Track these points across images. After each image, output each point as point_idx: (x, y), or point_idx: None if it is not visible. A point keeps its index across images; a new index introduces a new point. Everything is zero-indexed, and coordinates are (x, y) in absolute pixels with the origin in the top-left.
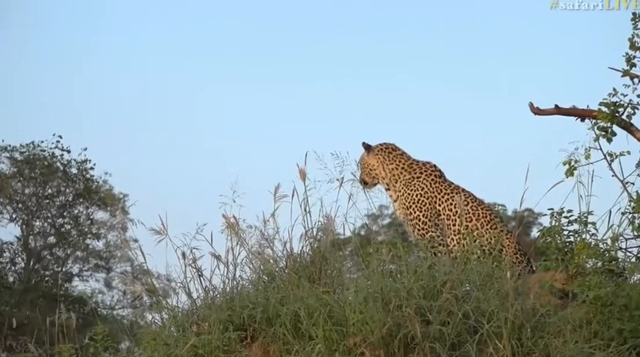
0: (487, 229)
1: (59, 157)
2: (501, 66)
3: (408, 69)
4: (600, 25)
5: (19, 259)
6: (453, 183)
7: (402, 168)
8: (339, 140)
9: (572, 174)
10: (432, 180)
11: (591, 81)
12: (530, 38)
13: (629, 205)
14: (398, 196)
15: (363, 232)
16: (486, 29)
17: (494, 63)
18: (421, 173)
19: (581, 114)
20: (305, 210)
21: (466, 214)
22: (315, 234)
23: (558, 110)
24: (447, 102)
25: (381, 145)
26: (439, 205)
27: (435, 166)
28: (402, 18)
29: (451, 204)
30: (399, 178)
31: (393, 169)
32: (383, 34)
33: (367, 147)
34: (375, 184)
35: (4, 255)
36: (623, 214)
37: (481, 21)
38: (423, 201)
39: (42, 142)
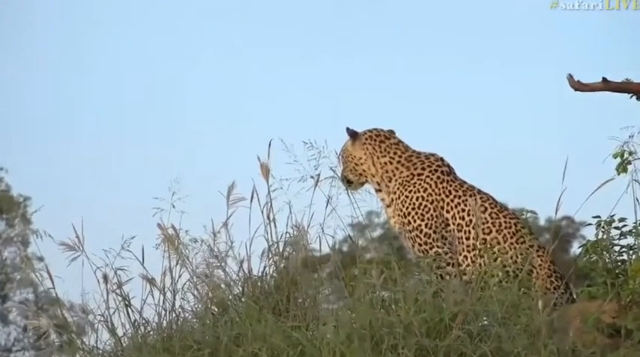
0: (512, 243)
1: None
2: (501, 66)
3: (403, 52)
4: (600, 25)
5: None
6: (465, 182)
7: (398, 162)
8: (313, 125)
9: (625, 170)
10: (438, 178)
11: (591, 80)
12: (530, 38)
13: None
14: (393, 200)
15: (345, 248)
16: (486, 29)
17: (494, 62)
18: (423, 169)
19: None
20: (268, 218)
21: (484, 223)
22: (281, 250)
23: (607, 85)
24: (450, 85)
25: (370, 131)
26: (447, 211)
27: (441, 159)
28: (398, 17)
29: (463, 210)
30: (395, 175)
31: (386, 163)
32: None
33: (352, 134)
34: (363, 184)
35: None
36: None
37: (481, 21)
38: (425, 206)
39: None
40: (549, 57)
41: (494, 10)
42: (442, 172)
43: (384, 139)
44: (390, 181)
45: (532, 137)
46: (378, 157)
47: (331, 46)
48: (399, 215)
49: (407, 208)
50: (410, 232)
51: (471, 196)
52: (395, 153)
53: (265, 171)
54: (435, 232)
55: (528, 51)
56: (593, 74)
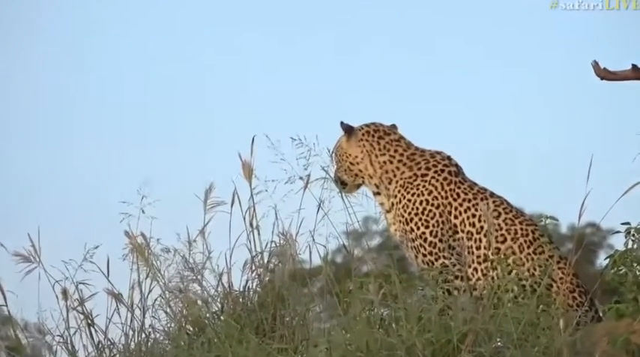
0: (529, 253)
1: None
2: (501, 66)
3: (401, 52)
4: (600, 25)
5: None
6: (475, 184)
7: (400, 161)
8: (303, 119)
9: None
10: (445, 179)
11: (591, 81)
12: (530, 38)
13: None
14: (393, 204)
15: (339, 259)
16: (486, 29)
17: (494, 62)
18: (428, 169)
19: None
20: (251, 225)
21: (497, 230)
22: (266, 261)
23: (636, 73)
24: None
25: (367, 126)
26: (456, 217)
27: (448, 157)
28: (396, 18)
29: (474, 216)
30: (395, 176)
31: (385, 162)
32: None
33: (347, 129)
34: (359, 186)
35: None
36: None
37: (480, 20)
38: (430, 211)
39: None
40: (549, 57)
41: (494, 10)
42: (449, 172)
43: (383, 135)
44: (390, 183)
45: (548, 136)
46: (376, 156)
47: (313, 28)
48: (400, 222)
49: (409, 213)
50: (413, 240)
51: (482, 199)
52: (396, 151)
53: (248, 171)
54: (441, 240)
55: (528, 51)
56: (592, 74)
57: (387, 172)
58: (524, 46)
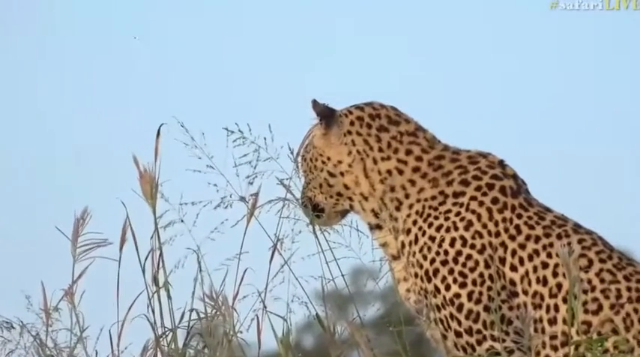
0: None
1: None
2: (501, 65)
3: (401, 51)
4: (600, 25)
5: None
6: (549, 209)
7: (417, 170)
8: (243, 100)
9: None
10: (496, 201)
11: (591, 81)
12: (530, 38)
13: None
14: (404, 245)
15: (310, 342)
16: (485, 29)
17: (494, 62)
18: (467, 183)
19: None
20: (155, 282)
21: (588, 291)
22: (181, 344)
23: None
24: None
25: (359, 109)
26: (514, 268)
27: (501, 163)
28: (394, 19)
29: (546, 266)
30: (409, 196)
31: (391, 171)
32: None
33: (325, 113)
34: (345, 213)
35: None
36: None
37: (480, 20)
38: (470, 258)
39: None
40: (549, 57)
41: (494, 10)
42: (503, 189)
43: (387, 124)
44: (399, 209)
45: (548, 136)
46: (375, 161)
47: None
48: (416, 276)
49: (432, 261)
50: (439, 309)
51: (560, 236)
52: (410, 152)
53: (149, 186)
54: (487, 309)
55: (528, 51)
56: (592, 74)
57: (393, 189)
58: (524, 46)
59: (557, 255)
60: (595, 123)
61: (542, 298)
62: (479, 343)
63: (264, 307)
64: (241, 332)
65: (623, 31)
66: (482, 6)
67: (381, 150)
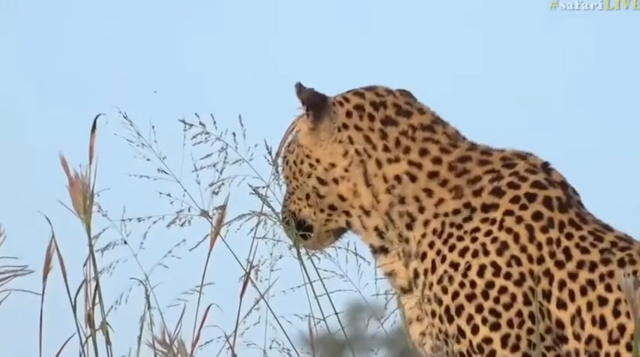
0: None
1: None
2: (501, 65)
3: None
4: (600, 25)
5: None
6: (607, 227)
7: (435, 175)
8: (204, 85)
9: None
10: (539, 217)
11: (591, 80)
12: (530, 38)
13: None
14: (418, 275)
15: None
16: (485, 29)
17: (493, 62)
18: (501, 193)
19: None
20: (90, 323)
21: None
22: None
23: None
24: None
25: (358, 95)
26: (562, 304)
27: (545, 167)
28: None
29: (604, 302)
30: (424, 209)
31: (400, 177)
32: None
33: (312, 101)
34: (340, 232)
35: None
36: None
37: (480, 20)
38: (504, 292)
39: None
40: (549, 57)
41: (493, 10)
42: (548, 201)
43: (395, 116)
44: (410, 227)
45: (548, 136)
46: (379, 163)
47: None
48: (433, 314)
49: (455, 295)
50: (463, 356)
51: (623, 263)
52: (425, 151)
53: (81, 196)
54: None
55: (528, 51)
56: (592, 75)
57: (404, 200)
58: (524, 46)
59: (618, 288)
60: (595, 123)
61: (599, 344)
62: None
63: (234, 355)
64: None
65: (623, 31)
66: (482, 6)
67: (387, 149)
